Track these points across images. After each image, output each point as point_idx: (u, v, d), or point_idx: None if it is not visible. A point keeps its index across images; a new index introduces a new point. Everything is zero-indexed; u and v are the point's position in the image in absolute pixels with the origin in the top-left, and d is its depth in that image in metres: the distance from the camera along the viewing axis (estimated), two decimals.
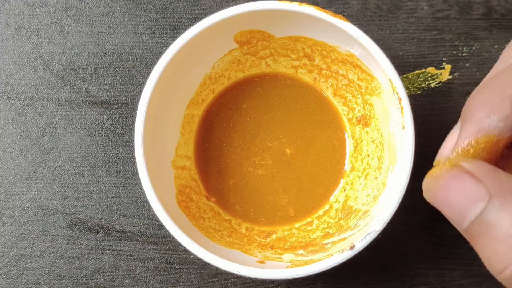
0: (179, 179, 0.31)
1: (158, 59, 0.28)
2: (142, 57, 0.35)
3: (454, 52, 0.35)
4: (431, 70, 0.35)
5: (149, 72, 0.28)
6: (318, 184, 0.33)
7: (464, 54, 0.35)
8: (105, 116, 0.35)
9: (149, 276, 0.33)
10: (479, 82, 0.27)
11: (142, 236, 0.34)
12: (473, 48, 0.35)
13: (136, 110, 0.27)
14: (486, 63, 0.35)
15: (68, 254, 0.33)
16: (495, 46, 0.35)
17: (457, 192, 0.19)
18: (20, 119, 0.35)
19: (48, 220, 0.34)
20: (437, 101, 0.35)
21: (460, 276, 0.33)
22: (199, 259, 0.31)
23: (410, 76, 0.35)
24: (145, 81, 0.28)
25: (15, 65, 0.35)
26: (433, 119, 0.35)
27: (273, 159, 0.33)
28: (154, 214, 0.27)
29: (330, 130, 0.33)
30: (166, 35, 0.36)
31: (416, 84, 0.35)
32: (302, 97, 0.34)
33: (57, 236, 0.34)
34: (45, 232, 0.34)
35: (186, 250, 0.30)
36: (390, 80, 0.27)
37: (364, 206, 0.30)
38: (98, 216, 0.34)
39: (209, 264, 0.27)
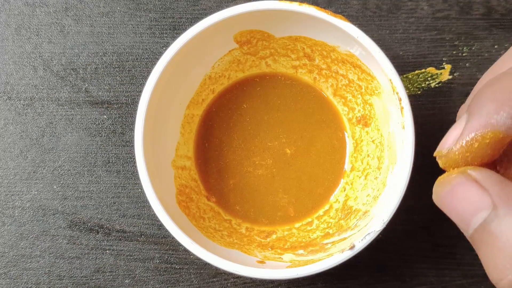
0: (179, 179, 0.31)
1: (158, 59, 0.28)
2: (142, 57, 0.35)
3: (454, 52, 0.35)
4: (431, 70, 0.35)
5: (149, 72, 0.28)
6: (318, 184, 0.33)
7: (464, 54, 0.35)
8: (105, 116, 0.35)
9: (149, 276, 0.33)
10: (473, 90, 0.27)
11: (142, 236, 0.34)
12: (473, 48, 0.35)
13: (136, 110, 0.27)
14: (486, 63, 0.35)
15: (68, 254, 0.33)
16: (495, 46, 0.35)
17: (463, 199, 0.19)
18: (20, 119, 0.35)
19: (48, 220, 0.34)
20: (437, 101, 0.35)
21: (460, 276, 0.33)
22: (199, 259, 0.31)
23: (410, 76, 0.35)
24: (145, 81, 0.28)
25: (15, 65, 0.35)
26: (433, 119, 0.35)
27: (273, 159, 0.33)
28: (154, 214, 0.27)
29: (330, 130, 0.33)
30: (166, 35, 0.36)
31: (416, 84, 0.35)
32: (302, 97, 0.34)
33: (57, 236, 0.34)
34: (45, 232, 0.34)
35: (186, 250, 0.30)
36: (390, 80, 0.27)
37: (364, 206, 0.30)
38: (98, 216, 0.34)
39: (209, 264, 0.27)
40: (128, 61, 0.35)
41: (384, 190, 0.29)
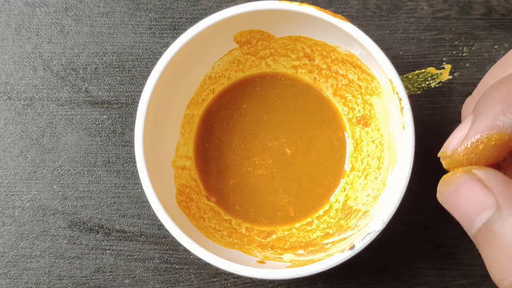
0: (179, 179, 0.31)
1: (158, 59, 0.28)
2: (142, 57, 0.35)
3: (454, 52, 0.35)
4: (431, 70, 0.35)
5: (149, 72, 0.28)
6: (318, 184, 0.33)
7: (464, 54, 0.35)
8: (105, 116, 0.35)
9: (149, 276, 0.33)
10: (479, 82, 0.27)
11: (142, 236, 0.34)
12: (473, 48, 0.35)
13: (136, 110, 0.27)
14: (486, 63, 0.35)
15: (68, 254, 0.33)
16: (495, 46, 0.35)
17: (466, 198, 0.19)
18: (20, 119, 0.35)
19: (48, 220, 0.34)
20: (437, 101, 0.35)
21: (460, 276, 0.33)
22: (199, 259, 0.31)
23: (410, 76, 0.35)
24: (145, 81, 0.28)
25: (15, 65, 0.35)
26: (433, 119, 0.35)
27: (273, 159, 0.33)
28: (154, 214, 0.27)
29: (330, 130, 0.33)
30: (166, 35, 0.36)
31: (416, 84, 0.35)
32: (302, 97, 0.34)
33: (57, 236, 0.34)
34: (45, 232, 0.34)
35: (186, 250, 0.30)
36: (390, 80, 0.27)
37: (364, 206, 0.30)
38: (98, 216, 0.34)
39: (209, 264, 0.27)
40: (128, 61, 0.35)
41: (384, 190, 0.29)
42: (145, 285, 0.33)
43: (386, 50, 0.28)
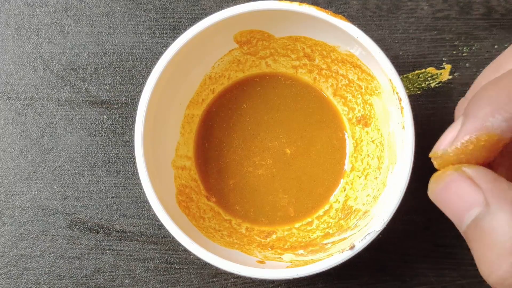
0: (179, 179, 0.31)
1: (158, 59, 0.28)
2: (142, 57, 0.35)
3: (454, 52, 0.35)
4: (431, 70, 0.35)
5: (149, 72, 0.28)
6: (318, 184, 0.33)
7: (464, 54, 0.35)
8: (105, 116, 0.35)
9: (149, 276, 0.33)
10: (473, 83, 0.27)
11: (142, 236, 0.34)
12: (473, 48, 0.35)
13: (136, 110, 0.27)
14: (486, 63, 0.35)
15: (68, 254, 0.33)
16: (495, 46, 0.35)
17: (456, 195, 0.19)
18: (20, 119, 0.35)
19: (48, 220, 0.34)
20: (437, 101, 0.35)
21: (460, 276, 0.33)
22: (199, 259, 0.31)
23: (410, 76, 0.35)
24: (145, 81, 0.28)
25: (15, 65, 0.35)
26: (433, 119, 0.35)
27: (273, 159, 0.33)
28: (154, 214, 0.27)
29: (330, 130, 0.33)
30: (166, 35, 0.36)
31: (416, 84, 0.35)
32: (302, 97, 0.34)
33: (57, 236, 0.34)
34: (45, 232, 0.34)
35: (186, 250, 0.30)
36: (390, 80, 0.27)
37: (364, 206, 0.30)
38: (98, 216, 0.34)
39: (209, 264, 0.27)
40: (128, 61, 0.35)
41: (384, 190, 0.29)
42: (145, 285, 0.33)
43: (386, 50, 0.28)
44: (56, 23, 0.36)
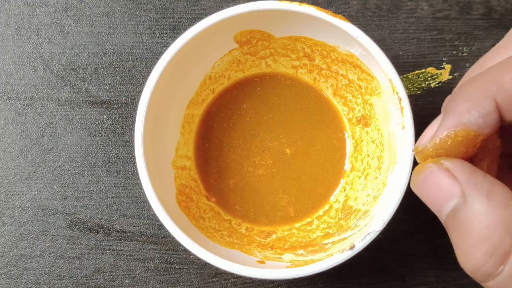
0: (179, 179, 0.31)
1: (158, 59, 0.28)
2: (142, 57, 0.35)
3: (454, 52, 0.35)
4: (431, 70, 0.35)
5: (149, 72, 0.28)
6: (318, 184, 0.33)
7: (464, 54, 0.35)
8: (105, 116, 0.35)
9: (149, 276, 0.33)
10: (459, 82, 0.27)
11: (142, 236, 0.34)
12: (473, 48, 0.35)
13: (136, 110, 0.27)
14: None
15: (68, 254, 0.33)
16: None
17: (435, 187, 0.20)
18: (20, 119, 0.35)
19: (48, 220, 0.34)
20: (437, 101, 0.35)
21: (460, 276, 0.33)
22: (199, 259, 0.31)
23: (410, 76, 0.35)
24: (145, 81, 0.28)
25: (15, 65, 0.35)
26: (433, 119, 0.34)
27: (273, 159, 0.33)
28: (154, 214, 0.27)
29: (330, 130, 0.33)
30: (166, 35, 0.36)
31: (416, 84, 0.35)
32: (302, 97, 0.34)
33: (57, 236, 0.34)
34: (45, 232, 0.34)
35: (186, 250, 0.30)
36: (390, 80, 0.27)
37: (364, 206, 0.30)
38: (98, 216, 0.34)
39: (209, 264, 0.27)
40: (128, 61, 0.35)
41: (384, 190, 0.29)
42: (145, 285, 0.33)
43: (386, 50, 0.28)
44: (56, 23, 0.36)
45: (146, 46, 0.35)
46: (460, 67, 0.35)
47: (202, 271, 0.33)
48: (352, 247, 0.26)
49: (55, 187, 0.34)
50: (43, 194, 0.34)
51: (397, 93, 0.27)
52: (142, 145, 0.27)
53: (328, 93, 0.34)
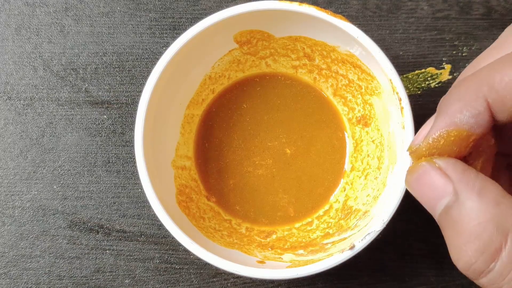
0: (179, 179, 0.31)
1: (158, 59, 0.28)
2: (142, 57, 0.35)
3: (454, 52, 0.35)
4: (431, 70, 0.35)
5: (149, 72, 0.28)
6: (318, 184, 0.33)
7: (464, 54, 0.35)
8: (105, 116, 0.35)
9: (149, 276, 0.33)
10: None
11: (142, 236, 0.34)
12: (473, 48, 0.35)
13: (136, 110, 0.27)
14: None
15: (68, 254, 0.33)
16: None
17: (428, 185, 0.20)
18: (20, 119, 0.35)
19: (48, 220, 0.34)
20: (437, 101, 0.34)
21: (460, 276, 0.33)
22: (199, 259, 0.31)
23: (410, 76, 0.35)
24: (145, 81, 0.28)
25: (15, 65, 0.35)
26: None
27: (273, 159, 0.33)
28: (154, 214, 0.27)
29: (330, 130, 0.33)
30: (166, 35, 0.36)
31: (416, 84, 0.35)
32: (302, 97, 0.34)
33: (57, 236, 0.34)
34: (45, 232, 0.34)
35: (186, 250, 0.30)
36: (390, 80, 0.27)
37: (364, 206, 0.30)
38: (98, 216, 0.34)
39: (209, 264, 0.27)
40: (128, 61, 0.35)
41: (384, 190, 0.29)
42: (145, 285, 0.33)
43: (386, 50, 0.28)
44: (56, 23, 0.36)
45: (146, 46, 0.35)
46: (460, 67, 0.35)
47: (202, 271, 0.33)
48: (352, 247, 0.26)
49: (55, 187, 0.34)
50: (43, 194, 0.34)
51: (397, 93, 0.27)
52: (142, 145, 0.27)
53: (328, 93, 0.34)
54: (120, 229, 0.34)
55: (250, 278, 0.33)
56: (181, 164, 0.32)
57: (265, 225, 0.32)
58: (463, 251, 0.19)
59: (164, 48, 0.35)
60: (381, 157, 0.30)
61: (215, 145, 0.33)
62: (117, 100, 0.35)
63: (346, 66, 0.31)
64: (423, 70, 0.35)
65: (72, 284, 0.33)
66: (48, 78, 0.35)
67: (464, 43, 0.35)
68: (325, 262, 0.26)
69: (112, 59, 0.35)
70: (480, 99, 0.19)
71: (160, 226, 0.34)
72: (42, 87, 0.35)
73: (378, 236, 0.26)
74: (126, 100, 0.35)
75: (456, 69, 0.35)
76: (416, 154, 0.21)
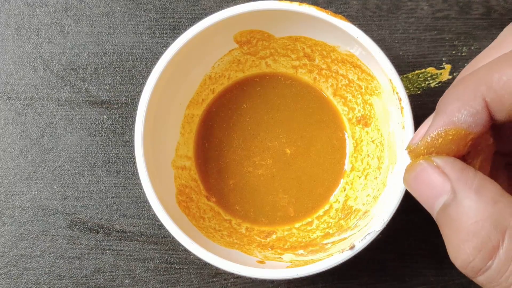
0: (179, 179, 0.31)
1: (158, 59, 0.28)
2: (142, 57, 0.35)
3: (453, 52, 0.35)
4: (431, 70, 0.35)
5: (149, 72, 0.28)
6: (318, 184, 0.33)
7: (463, 54, 0.35)
8: (105, 116, 0.35)
9: (149, 276, 0.33)
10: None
11: (142, 236, 0.34)
12: (472, 48, 0.35)
13: (136, 110, 0.27)
14: None
15: (68, 254, 0.33)
16: None
17: (426, 184, 0.20)
18: (20, 119, 0.35)
19: (48, 220, 0.34)
20: (436, 101, 0.35)
21: (459, 275, 0.33)
22: (199, 259, 0.31)
23: (410, 76, 0.35)
24: (145, 81, 0.28)
25: (15, 65, 0.35)
26: None
27: (273, 159, 0.33)
28: (154, 214, 0.27)
29: (330, 130, 0.33)
30: (166, 35, 0.36)
31: (416, 84, 0.35)
32: (302, 97, 0.34)
33: (57, 236, 0.34)
34: (45, 232, 0.34)
35: (186, 250, 0.30)
36: (390, 80, 0.27)
37: (364, 206, 0.30)
38: (98, 216, 0.34)
39: (209, 264, 0.27)
40: (128, 61, 0.35)
41: (384, 190, 0.29)
42: (145, 285, 0.33)
43: (386, 50, 0.28)
44: (56, 23, 0.36)
45: (146, 46, 0.35)
46: (460, 67, 0.35)
47: (202, 271, 0.33)
48: (352, 247, 0.26)
49: (55, 187, 0.34)
50: (43, 194, 0.34)
51: (397, 93, 0.27)
52: (142, 145, 0.27)
53: (328, 93, 0.34)
54: (120, 229, 0.34)
55: (250, 278, 0.33)
56: (181, 164, 0.32)
57: (265, 225, 0.32)
58: (461, 249, 0.19)
59: (164, 48, 0.35)
60: (381, 157, 0.30)
61: (215, 145, 0.33)
62: (117, 100, 0.35)
63: (346, 66, 0.31)
64: (423, 70, 0.35)
65: (72, 284, 0.33)
66: (48, 78, 0.35)
67: (463, 43, 0.35)
68: (325, 262, 0.26)
69: (112, 59, 0.35)
70: (478, 98, 0.20)
71: (160, 226, 0.34)
72: (42, 87, 0.35)
73: (378, 236, 0.26)
74: (126, 100, 0.35)
75: (456, 69, 0.35)
76: (415, 152, 0.21)
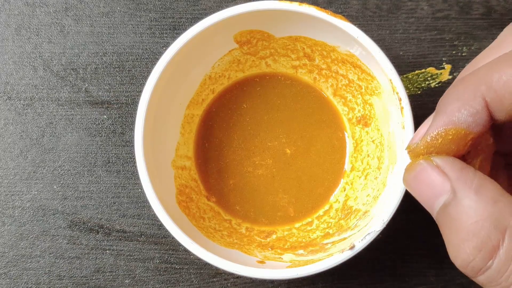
0: (179, 179, 0.31)
1: (158, 59, 0.28)
2: (142, 57, 0.35)
3: (454, 52, 0.35)
4: (431, 70, 0.35)
5: (149, 72, 0.28)
6: (318, 184, 0.33)
7: (463, 54, 0.35)
8: (105, 116, 0.35)
9: (149, 276, 0.33)
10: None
11: (142, 236, 0.34)
12: (472, 48, 0.35)
13: (136, 110, 0.27)
14: None
15: (68, 254, 0.33)
16: None
17: (426, 183, 0.20)
18: (20, 119, 0.35)
19: (48, 220, 0.34)
20: (436, 101, 0.35)
21: (460, 275, 0.33)
22: (199, 259, 0.31)
23: (410, 76, 0.35)
24: (145, 81, 0.28)
25: (15, 65, 0.35)
26: None
27: (273, 159, 0.33)
28: (154, 214, 0.27)
29: (330, 130, 0.33)
30: (166, 35, 0.36)
31: (416, 84, 0.35)
32: (302, 97, 0.34)
33: (57, 236, 0.34)
34: (45, 232, 0.34)
35: (186, 250, 0.30)
36: (390, 80, 0.27)
37: (364, 206, 0.30)
38: (98, 216, 0.34)
39: (209, 264, 0.27)
40: (128, 61, 0.35)
41: (384, 190, 0.29)
42: (145, 285, 0.33)
43: (386, 50, 0.28)
44: (56, 23, 0.36)
45: (146, 46, 0.35)
46: (460, 67, 0.35)
47: (202, 271, 0.33)
48: (352, 247, 0.26)
49: (55, 187, 0.34)
50: (43, 194, 0.34)
51: (397, 93, 0.27)
52: (142, 145, 0.27)
53: (328, 93, 0.34)
54: (120, 229, 0.34)
55: (250, 278, 0.33)
56: (181, 164, 0.32)
57: (265, 225, 0.32)
58: (461, 249, 0.19)
59: (164, 48, 0.35)
60: (381, 157, 0.30)
61: (215, 145, 0.33)
62: (117, 100, 0.35)
63: (346, 66, 0.31)
64: (423, 70, 0.35)
65: (72, 284, 0.33)
66: (48, 78, 0.35)
67: (464, 43, 0.35)
68: (325, 262, 0.26)
69: (112, 59, 0.35)
70: (478, 98, 0.20)
71: (160, 226, 0.34)
72: (42, 87, 0.35)
73: (378, 236, 0.26)
74: (126, 100, 0.35)
75: (456, 69, 0.35)
76: (414, 152, 0.21)
